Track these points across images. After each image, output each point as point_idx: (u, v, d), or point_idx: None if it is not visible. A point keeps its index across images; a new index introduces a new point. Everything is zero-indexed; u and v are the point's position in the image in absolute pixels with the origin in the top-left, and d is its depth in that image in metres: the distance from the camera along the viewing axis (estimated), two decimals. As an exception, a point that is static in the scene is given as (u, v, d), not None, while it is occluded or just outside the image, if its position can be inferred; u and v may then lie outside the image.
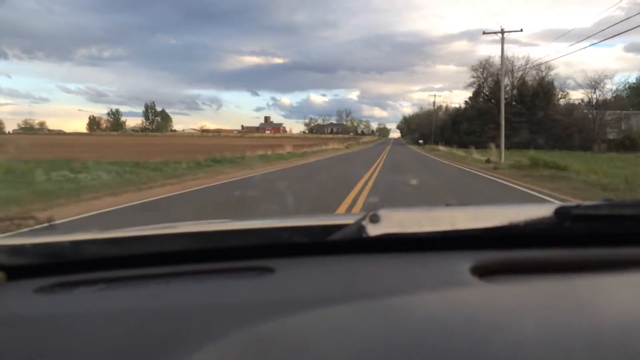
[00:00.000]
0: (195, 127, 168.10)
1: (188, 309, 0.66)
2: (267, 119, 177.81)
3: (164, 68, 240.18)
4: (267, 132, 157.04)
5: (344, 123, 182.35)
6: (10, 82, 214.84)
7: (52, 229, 1.17)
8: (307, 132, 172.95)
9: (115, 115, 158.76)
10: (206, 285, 0.77)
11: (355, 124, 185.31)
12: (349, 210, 7.36)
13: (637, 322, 0.54)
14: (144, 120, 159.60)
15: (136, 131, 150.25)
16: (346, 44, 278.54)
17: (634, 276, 0.74)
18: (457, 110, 74.24)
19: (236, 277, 0.80)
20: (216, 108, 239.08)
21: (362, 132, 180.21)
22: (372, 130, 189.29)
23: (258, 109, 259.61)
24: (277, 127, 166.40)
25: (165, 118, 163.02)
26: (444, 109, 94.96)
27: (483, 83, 69.61)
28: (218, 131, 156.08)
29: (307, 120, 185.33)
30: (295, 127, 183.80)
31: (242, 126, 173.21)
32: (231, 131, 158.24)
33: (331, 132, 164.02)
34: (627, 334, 0.51)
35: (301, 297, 0.68)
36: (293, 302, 0.66)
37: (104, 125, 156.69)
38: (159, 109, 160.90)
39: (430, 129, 74.25)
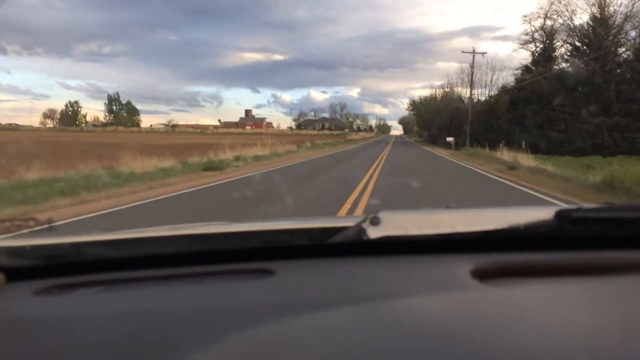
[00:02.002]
0: (164, 122, 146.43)
1: (187, 311, 0.66)
2: (248, 112, 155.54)
3: (164, 64, 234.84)
4: (248, 127, 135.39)
5: (339, 118, 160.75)
6: (10, 79, 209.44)
7: (51, 230, 1.12)
8: (293, 127, 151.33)
9: (73, 107, 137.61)
10: (206, 288, 0.76)
11: (350, 119, 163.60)
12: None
13: (637, 326, 0.54)
14: (106, 113, 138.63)
15: (97, 126, 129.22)
16: (347, 40, 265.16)
17: (634, 279, 0.74)
18: (519, 80, 38.26)
19: (236, 280, 0.80)
20: (217, 105, 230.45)
21: (359, 127, 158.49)
22: (370, 126, 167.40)
23: (259, 106, 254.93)
24: (260, 122, 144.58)
25: (132, 111, 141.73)
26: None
27: (550, 38, 37.36)
28: (191, 126, 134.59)
29: (296, 115, 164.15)
30: (289, 122, 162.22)
31: (220, 120, 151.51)
32: (207, 126, 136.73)
33: (322, 128, 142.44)
34: (627, 337, 0.51)
35: (301, 300, 0.68)
36: (293, 304, 0.66)
37: (60, 119, 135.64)
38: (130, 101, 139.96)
39: (459, 119, 43.61)
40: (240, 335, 0.56)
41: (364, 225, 0.83)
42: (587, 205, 0.90)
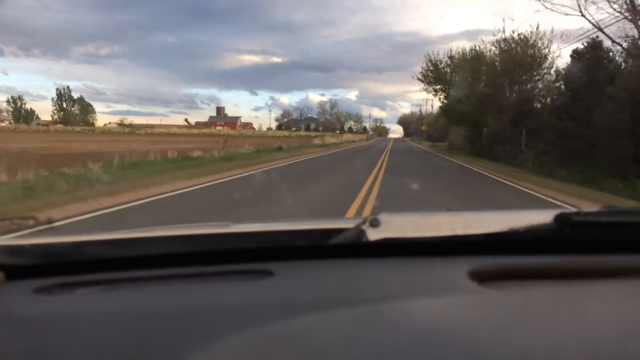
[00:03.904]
0: (117, 121, 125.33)
1: (187, 311, 0.66)
2: (220, 110, 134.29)
3: (162, 66, 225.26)
4: (219, 127, 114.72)
5: (328, 118, 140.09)
6: (7, 80, 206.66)
7: (51, 229, 1.12)
8: (272, 128, 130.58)
9: (16, 103, 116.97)
10: (206, 288, 0.77)
11: (341, 119, 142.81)
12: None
13: (637, 330, 0.54)
14: (55, 110, 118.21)
15: (44, 125, 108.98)
16: (345, 43, 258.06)
17: (633, 283, 0.74)
18: None
19: (236, 280, 0.80)
20: (215, 107, 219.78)
21: (350, 129, 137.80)
22: (364, 128, 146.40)
23: (257, 109, 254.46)
24: (233, 122, 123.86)
25: (86, 109, 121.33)
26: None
27: None
28: (150, 126, 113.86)
29: (279, 114, 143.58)
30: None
31: (187, 120, 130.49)
32: (170, 126, 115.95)
33: (308, 129, 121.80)
34: (627, 341, 0.51)
35: (300, 301, 0.68)
36: (292, 305, 0.66)
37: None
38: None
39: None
40: (240, 335, 0.56)
41: (364, 227, 0.82)
42: (587, 209, 0.89)
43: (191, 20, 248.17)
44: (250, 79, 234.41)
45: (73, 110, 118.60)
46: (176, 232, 0.93)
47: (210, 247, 0.88)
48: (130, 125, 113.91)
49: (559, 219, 0.83)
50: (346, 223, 0.88)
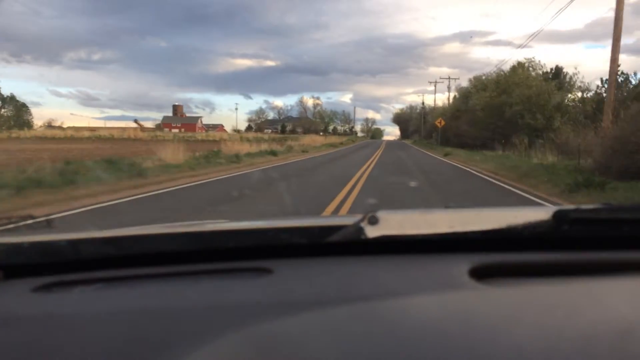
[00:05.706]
0: (44, 124, 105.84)
1: (185, 309, 0.66)
2: (176, 109, 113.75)
3: (155, 71, 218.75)
4: (175, 130, 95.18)
5: (310, 117, 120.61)
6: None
7: (50, 227, 1.12)
8: (242, 130, 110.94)
9: None
10: (204, 286, 0.76)
11: (326, 119, 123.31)
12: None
13: (634, 327, 0.54)
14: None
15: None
16: (339, 46, 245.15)
17: (631, 280, 0.74)
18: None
19: (234, 278, 0.80)
20: (209, 111, 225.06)
21: (335, 129, 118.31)
22: (351, 128, 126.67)
23: (251, 112, 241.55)
24: (192, 123, 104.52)
25: (21, 112, 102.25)
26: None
27: None
28: (91, 129, 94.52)
29: (253, 115, 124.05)
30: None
31: (136, 121, 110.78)
32: (110, 129, 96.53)
33: (282, 131, 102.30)
34: (624, 338, 0.50)
35: (299, 298, 0.68)
36: (291, 303, 0.66)
37: None
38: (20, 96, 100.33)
39: None
40: (238, 333, 0.56)
41: (362, 224, 0.82)
42: (585, 205, 0.90)
43: (184, 25, 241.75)
44: (244, 82, 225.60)
45: (4, 112, 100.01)
46: (174, 230, 0.92)
47: (208, 244, 0.87)
48: (61, 128, 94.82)
49: (557, 215, 0.83)
50: (345, 220, 0.88)
